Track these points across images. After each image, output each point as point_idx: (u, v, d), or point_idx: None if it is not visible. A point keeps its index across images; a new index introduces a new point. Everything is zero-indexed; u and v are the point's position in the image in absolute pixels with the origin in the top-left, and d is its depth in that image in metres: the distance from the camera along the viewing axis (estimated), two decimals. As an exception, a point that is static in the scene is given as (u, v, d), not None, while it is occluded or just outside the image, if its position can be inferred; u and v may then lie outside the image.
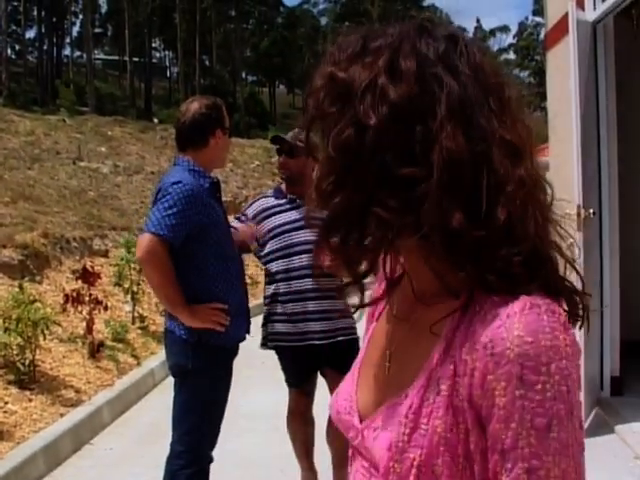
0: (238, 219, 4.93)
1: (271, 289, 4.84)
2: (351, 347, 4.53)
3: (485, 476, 1.06)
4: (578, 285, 1.18)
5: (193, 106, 4.14)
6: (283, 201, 4.84)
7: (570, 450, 1.02)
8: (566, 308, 1.11)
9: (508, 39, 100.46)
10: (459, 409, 1.07)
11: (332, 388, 4.72)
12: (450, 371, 1.09)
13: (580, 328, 1.15)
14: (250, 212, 4.93)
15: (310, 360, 4.80)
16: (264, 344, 4.84)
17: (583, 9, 6.71)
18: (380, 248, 1.15)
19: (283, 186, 4.91)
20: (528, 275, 1.08)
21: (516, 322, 1.03)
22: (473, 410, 1.06)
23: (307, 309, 4.67)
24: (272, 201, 4.90)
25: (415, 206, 1.06)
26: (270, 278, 4.87)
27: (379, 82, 1.07)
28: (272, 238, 4.79)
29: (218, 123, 4.16)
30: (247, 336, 4.31)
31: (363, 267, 1.18)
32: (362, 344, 1.42)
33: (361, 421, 1.24)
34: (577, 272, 1.19)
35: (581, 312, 1.15)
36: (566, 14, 6.54)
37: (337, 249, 1.14)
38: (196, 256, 3.97)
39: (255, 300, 13.74)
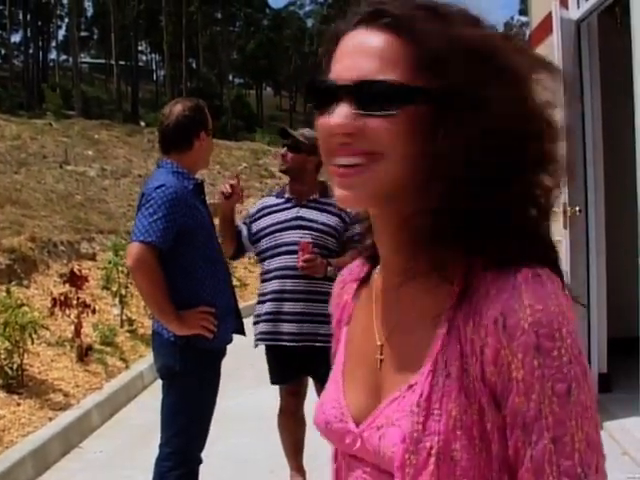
0: (244, 222, 5.01)
1: (260, 288, 4.91)
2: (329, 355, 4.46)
3: (504, 454, 1.06)
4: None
5: (176, 109, 4.12)
6: (281, 200, 4.90)
7: (590, 411, 1.03)
8: None
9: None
10: (470, 390, 1.06)
11: (317, 390, 4.75)
12: (457, 352, 1.08)
13: None
14: (252, 211, 5.03)
15: (286, 360, 4.82)
16: (255, 342, 4.89)
17: (567, 8, 6.73)
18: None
19: (287, 187, 4.95)
20: (534, 251, 1.11)
21: (524, 292, 1.03)
22: (487, 388, 1.05)
23: (281, 310, 4.70)
24: (272, 200, 5.00)
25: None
26: (261, 277, 4.94)
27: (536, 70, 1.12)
28: (263, 237, 4.85)
29: (202, 125, 4.15)
30: (240, 337, 4.31)
31: None
32: (335, 351, 1.38)
33: (357, 425, 1.21)
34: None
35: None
36: (550, 13, 6.57)
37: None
38: (183, 259, 3.97)
39: (244, 302, 13.78)
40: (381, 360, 1.21)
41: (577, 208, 6.25)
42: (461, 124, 1.04)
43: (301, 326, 4.67)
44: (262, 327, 4.79)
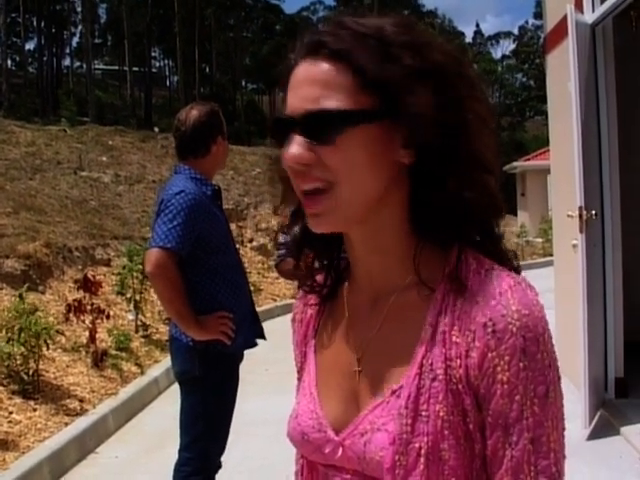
0: (284, 232, 5.01)
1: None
2: None
3: (485, 454, 1.10)
4: None
5: (192, 114, 4.10)
6: None
7: (561, 412, 1.10)
8: None
9: (512, 45, 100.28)
10: (454, 392, 1.10)
11: None
12: (441, 356, 1.11)
13: None
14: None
15: None
16: None
17: (582, 11, 6.71)
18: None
19: None
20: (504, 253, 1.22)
21: (510, 298, 1.09)
22: (471, 391, 1.09)
23: None
24: None
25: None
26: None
27: (464, 66, 1.18)
28: None
29: (218, 130, 4.14)
30: (260, 341, 4.31)
31: None
32: (302, 365, 1.39)
33: (337, 434, 1.22)
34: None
35: None
36: (565, 17, 6.55)
37: None
38: (202, 264, 3.96)
39: (258, 307, 13.75)
40: (359, 371, 1.23)
41: (593, 212, 6.23)
42: (415, 131, 1.10)
43: None
44: None
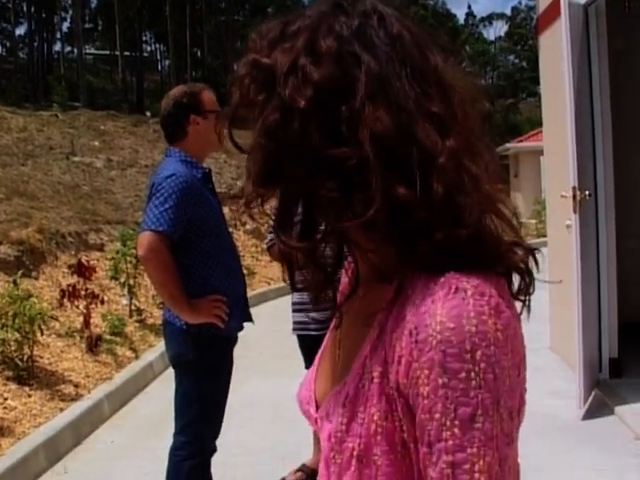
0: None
1: None
2: None
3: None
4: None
5: (167, 98, 4.15)
6: None
7: (495, 442, 0.96)
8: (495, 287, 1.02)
9: (504, 27, 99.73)
10: (390, 397, 1.03)
11: None
12: (381, 358, 1.05)
13: (522, 309, 1.10)
14: None
15: (315, 348, 4.85)
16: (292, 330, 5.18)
17: (574, -9, 6.69)
18: (333, 235, 1.12)
19: None
20: (467, 251, 1.02)
21: (439, 307, 0.98)
22: (402, 398, 1.02)
23: (308, 300, 4.77)
24: None
25: (353, 187, 1.02)
26: None
27: (300, 64, 1.04)
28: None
29: (191, 109, 4.08)
30: (249, 326, 4.30)
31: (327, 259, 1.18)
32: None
33: (317, 411, 1.23)
34: (524, 246, 1.10)
35: (524, 290, 1.09)
36: (557, -3, 6.53)
37: (295, 245, 1.12)
38: (194, 248, 3.95)
39: (252, 290, 13.78)
40: (339, 354, 1.22)
41: (587, 192, 6.23)
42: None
43: (325, 313, 4.71)
44: (294, 317, 5.05)
